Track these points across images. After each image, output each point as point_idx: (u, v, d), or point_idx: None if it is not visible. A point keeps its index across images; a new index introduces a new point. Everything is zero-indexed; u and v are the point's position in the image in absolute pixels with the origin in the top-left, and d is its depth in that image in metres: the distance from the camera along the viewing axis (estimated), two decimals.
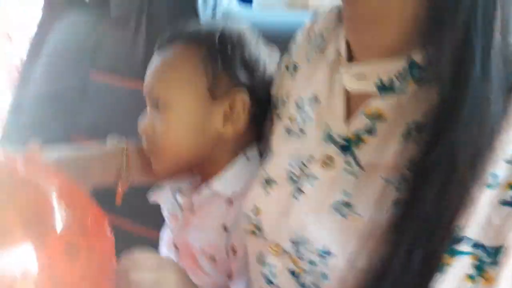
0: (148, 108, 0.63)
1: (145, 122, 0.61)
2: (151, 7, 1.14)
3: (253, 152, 0.62)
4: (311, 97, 0.48)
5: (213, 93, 0.58)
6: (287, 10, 1.26)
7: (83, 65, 1.25)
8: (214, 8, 1.13)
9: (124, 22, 1.19)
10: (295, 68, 0.56)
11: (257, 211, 0.47)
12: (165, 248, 0.67)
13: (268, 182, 0.47)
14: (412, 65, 0.37)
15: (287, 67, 0.59)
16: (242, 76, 0.59)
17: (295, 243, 0.40)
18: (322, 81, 0.46)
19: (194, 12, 1.10)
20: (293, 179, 0.44)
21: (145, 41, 1.15)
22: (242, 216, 0.50)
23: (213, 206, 0.60)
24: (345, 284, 0.36)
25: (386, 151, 0.38)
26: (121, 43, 1.21)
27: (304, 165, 0.44)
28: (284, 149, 0.49)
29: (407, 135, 0.37)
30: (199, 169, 0.64)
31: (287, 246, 0.41)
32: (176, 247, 0.64)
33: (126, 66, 1.19)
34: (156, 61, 0.62)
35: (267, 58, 0.63)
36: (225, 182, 0.59)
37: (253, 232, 0.46)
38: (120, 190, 0.62)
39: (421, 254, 0.32)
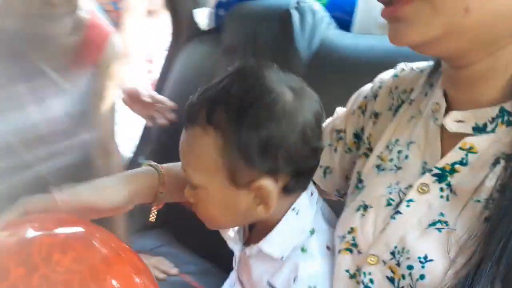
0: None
1: (187, 191, 0.62)
2: (256, 39, 1.24)
3: (302, 202, 0.61)
4: (407, 139, 0.55)
5: (235, 183, 0.56)
6: (383, 35, 1.24)
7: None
8: (312, 35, 1.18)
9: (235, 52, 1.32)
10: (376, 115, 0.62)
11: (352, 231, 0.54)
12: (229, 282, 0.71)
13: (364, 207, 0.54)
14: (503, 111, 0.46)
15: (363, 112, 0.64)
16: (263, 164, 0.55)
17: (394, 254, 0.49)
18: (418, 127, 0.55)
19: (292, 40, 1.17)
20: (390, 204, 0.52)
21: None
22: (337, 238, 0.57)
23: (264, 259, 0.61)
24: (440, 282, 0.44)
25: (476, 178, 0.46)
26: None
27: (402, 192, 0.52)
28: (378, 181, 0.56)
29: (495, 164, 0.45)
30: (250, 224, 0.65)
31: (386, 257, 0.49)
32: (241, 282, 0.66)
33: None
34: (183, 137, 0.60)
35: (297, 117, 0.56)
36: (273, 244, 0.59)
37: (349, 250, 0.54)
38: (154, 209, 0.68)
39: (507, 261, 0.40)
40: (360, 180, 0.59)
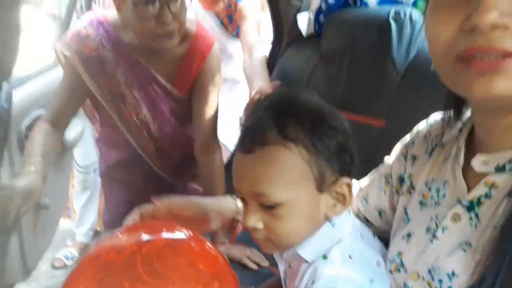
0: (247, 206, 0.66)
1: (251, 218, 0.65)
2: (353, 46, 1.27)
3: (340, 217, 0.67)
4: (442, 178, 0.64)
5: (321, 188, 0.64)
6: None
7: None
8: (409, 46, 1.18)
9: (332, 58, 1.36)
10: (414, 158, 0.72)
11: (400, 255, 0.66)
12: None
13: (408, 235, 0.66)
14: None
15: (404, 157, 0.74)
16: (343, 164, 0.64)
17: (430, 271, 0.59)
18: (448, 167, 0.64)
19: (389, 50, 1.18)
20: (429, 230, 0.62)
21: (346, 78, 1.30)
22: (388, 261, 0.68)
23: (299, 264, 0.67)
24: None
25: (498, 208, 0.54)
26: (327, 77, 1.39)
27: (439, 221, 0.62)
28: (421, 214, 0.66)
29: (510, 194, 0.54)
30: None
31: (425, 274, 0.60)
32: None
33: (331, 96, 1.35)
34: (248, 161, 0.63)
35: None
36: (308, 249, 0.66)
37: (398, 269, 0.66)
38: (234, 232, 0.77)
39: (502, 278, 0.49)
40: (406, 214, 0.69)
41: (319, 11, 1.44)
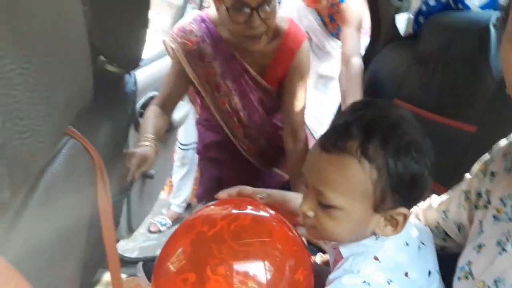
0: (308, 193, 0.71)
1: (306, 206, 0.70)
2: (450, 50, 1.27)
3: (385, 235, 0.70)
4: None
5: (376, 209, 0.67)
6: None
7: (391, 91, 1.52)
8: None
9: (427, 60, 1.37)
10: (493, 174, 0.74)
11: (469, 263, 0.70)
12: None
13: (480, 246, 0.69)
14: None
15: (484, 174, 0.77)
16: (408, 195, 0.66)
17: (496, 281, 0.63)
18: None
19: (487, 57, 1.17)
20: (500, 244, 0.65)
21: (440, 81, 1.31)
22: (458, 268, 0.72)
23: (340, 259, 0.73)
24: None
25: None
26: (421, 78, 1.40)
27: (510, 236, 0.64)
28: (494, 228, 0.69)
29: None
30: None
31: (490, 283, 0.64)
32: None
33: (423, 98, 1.37)
34: (322, 159, 0.66)
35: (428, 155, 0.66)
36: (348, 250, 0.72)
37: (466, 277, 0.70)
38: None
39: None
40: (481, 226, 0.71)
41: (419, 12, 1.45)
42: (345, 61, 1.67)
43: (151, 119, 1.37)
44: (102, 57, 0.96)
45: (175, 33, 1.41)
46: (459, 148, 1.19)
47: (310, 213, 0.70)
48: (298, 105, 1.43)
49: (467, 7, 1.31)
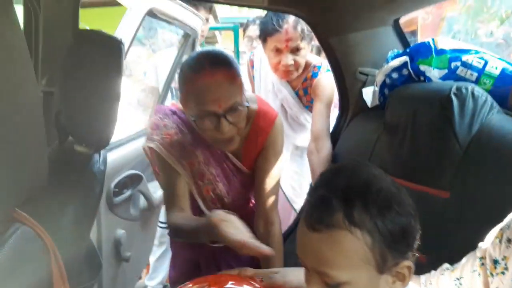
0: (311, 276, 0.71)
1: None
2: (415, 120, 1.31)
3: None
4: None
5: (381, 271, 0.67)
6: None
7: (363, 160, 1.54)
8: (471, 120, 1.20)
9: (395, 130, 1.41)
10: (509, 241, 0.72)
11: None
12: None
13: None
14: None
15: (499, 241, 0.74)
16: (404, 248, 0.68)
17: None
18: None
19: (451, 125, 1.21)
20: None
21: (409, 149, 1.33)
22: None
23: None
24: None
25: None
26: (391, 147, 1.43)
27: None
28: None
29: None
30: None
31: None
32: None
33: (394, 167, 1.39)
34: (313, 241, 0.67)
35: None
36: None
37: None
38: None
39: None
40: (460, 278, 0.71)
41: (383, 85, 1.51)
42: (315, 138, 1.73)
43: (187, 220, 1.24)
44: (70, 138, 0.96)
45: (149, 133, 1.35)
46: (435, 214, 1.19)
47: None
48: (271, 185, 1.37)
49: (428, 79, 1.38)
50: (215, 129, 1.19)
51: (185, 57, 2.40)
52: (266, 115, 1.38)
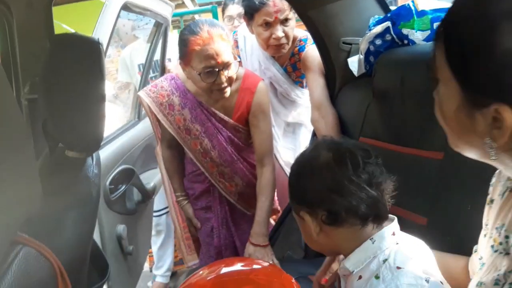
0: None
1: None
2: (403, 85, 1.31)
3: (380, 235, 0.82)
4: (510, 227, 0.63)
5: (298, 215, 0.90)
6: None
7: (355, 131, 1.55)
8: None
9: (384, 96, 1.41)
10: (492, 201, 0.73)
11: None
12: None
13: (479, 284, 0.66)
14: None
15: (487, 203, 0.75)
16: (304, 203, 0.87)
17: None
18: None
19: None
20: (497, 284, 0.62)
21: (400, 114, 1.34)
22: None
23: (351, 279, 0.83)
24: None
25: None
26: (382, 113, 1.43)
27: (507, 275, 0.61)
28: (492, 262, 0.66)
29: None
30: (338, 252, 0.92)
31: None
32: None
33: (386, 133, 1.40)
34: None
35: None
36: (350, 261, 0.83)
37: None
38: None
39: None
40: (481, 258, 0.70)
41: (368, 53, 1.51)
42: (317, 107, 1.71)
43: (172, 172, 1.78)
44: (61, 144, 0.95)
45: (148, 89, 1.68)
46: (430, 176, 1.20)
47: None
48: (262, 136, 1.67)
49: (412, 42, 1.37)
50: (214, 82, 1.50)
51: (159, 47, 2.44)
52: (251, 78, 1.67)
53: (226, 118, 1.66)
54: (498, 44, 0.51)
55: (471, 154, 0.64)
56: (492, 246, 0.66)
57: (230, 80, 1.54)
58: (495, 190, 0.72)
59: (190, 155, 1.69)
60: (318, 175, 0.84)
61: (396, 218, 0.86)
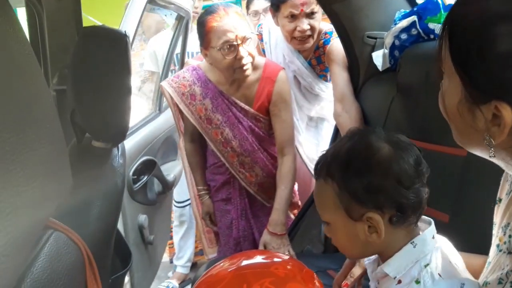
0: None
1: (325, 228, 0.85)
2: (428, 81, 1.29)
3: (421, 238, 0.76)
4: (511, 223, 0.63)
5: (352, 217, 0.77)
6: None
7: (378, 125, 1.53)
8: None
9: (408, 91, 1.39)
10: (500, 200, 0.72)
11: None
12: None
13: (485, 284, 0.67)
14: None
15: (496, 200, 0.75)
16: (369, 202, 0.74)
17: None
18: None
19: None
20: (501, 283, 0.62)
21: (424, 110, 1.32)
22: None
23: (387, 282, 0.78)
24: None
25: None
26: (406, 108, 1.42)
27: (509, 273, 0.61)
28: (497, 260, 0.66)
29: None
30: (379, 253, 0.83)
31: None
32: None
33: (410, 128, 1.38)
34: (315, 189, 0.85)
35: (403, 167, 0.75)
36: (391, 266, 0.77)
37: None
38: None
39: None
40: (488, 256, 0.69)
41: (393, 47, 1.49)
42: (340, 100, 1.70)
43: (195, 165, 1.81)
44: (87, 135, 0.97)
45: (171, 79, 1.72)
46: (453, 173, 1.19)
47: (328, 234, 0.84)
48: (283, 125, 1.68)
49: (437, 36, 1.35)
50: (235, 58, 1.52)
51: (180, 40, 2.46)
52: (272, 67, 1.68)
53: (247, 107, 1.67)
54: (500, 42, 0.51)
55: (472, 149, 0.64)
56: (498, 245, 0.65)
57: (250, 56, 1.56)
58: (503, 189, 0.71)
59: (211, 145, 1.71)
60: (386, 169, 0.74)
61: (433, 221, 0.81)
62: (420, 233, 0.79)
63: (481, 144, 0.59)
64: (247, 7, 2.77)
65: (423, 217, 0.80)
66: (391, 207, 0.74)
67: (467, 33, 0.55)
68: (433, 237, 0.78)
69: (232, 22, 1.51)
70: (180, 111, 1.71)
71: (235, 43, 1.51)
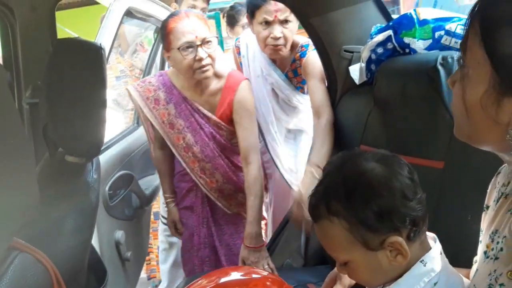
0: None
1: (339, 268, 0.80)
2: (404, 94, 1.31)
3: (431, 256, 0.74)
4: (502, 233, 0.62)
5: (371, 248, 0.72)
6: None
7: (356, 138, 1.55)
8: None
9: (385, 104, 1.41)
10: (487, 207, 0.72)
11: None
12: None
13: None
14: None
15: (484, 207, 0.75)
16: (387, 227, 0.71)
17: None
18: (510, 222, 0.62)
19: (439, 95, 1.21)
20: (491, 287, 0.62)
21: (400, 123, 1.34)
22: None
23: None
24: None
25: None
26: (382, 122, 1.43)
27: (497, 277, 0.61)
28: (484, 267, 0.66)
29: None
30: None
31: None
32: None
33: (387, 141, 1.39)
34: (319, 232, 0.79)
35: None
36: (402, 287, 0.74)
37: None
38: None
39: None
40: (475, 261, 0.69)
41: (369, 61, 1.51)
42: (316, 113, 1.72)
43: (163, 172, 1.84)
44: (60, 149, 0.95)
45: (137, 84, 1.77)
46: (430, 185, 1.19)
47: (345, 273, 0.80)
48: (246, 133, 1.70)
49: (413, 51, 1.37)
50: (194, 58, 1.57)
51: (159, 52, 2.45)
52: (235, 77, 1.73)
53: (209, 114, 1.72)
54: None
55: (485, 145, 0.63)
56: (485, 252, 0.66)
57: (211, 58, 1.60)
58: (491, 196, 0.72)
59: (173, 150, 1.74)
60: (390, 188, 0.71)
61: (436, 236, 0.80)
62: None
63: (500, 139, 0.57)
64: (236, 20, 2.78)
65: (427, 232, 0.79)
66: (405, 225, 0.71)
67: (503, 18, 0.54)
68: (441, 253, 0.77)
69: (192, 24, 1.58)
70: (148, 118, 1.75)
71: (194, 44, 1.56)
